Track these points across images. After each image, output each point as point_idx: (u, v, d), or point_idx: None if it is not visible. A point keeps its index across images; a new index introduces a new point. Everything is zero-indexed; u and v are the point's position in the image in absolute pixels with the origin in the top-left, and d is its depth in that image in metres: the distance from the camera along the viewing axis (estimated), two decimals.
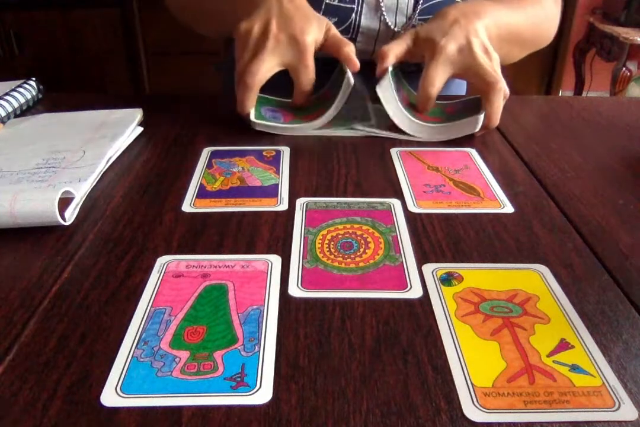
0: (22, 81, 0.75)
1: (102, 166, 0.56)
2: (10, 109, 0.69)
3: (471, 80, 0.64)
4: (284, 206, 0.51)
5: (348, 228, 0.48)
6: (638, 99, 0.83)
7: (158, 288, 0.41)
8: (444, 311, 0.39)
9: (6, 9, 2.06)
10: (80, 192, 0.51)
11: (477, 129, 0.64)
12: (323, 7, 0.76)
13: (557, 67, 2.32)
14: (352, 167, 0.59)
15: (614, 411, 0.32)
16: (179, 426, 0.30)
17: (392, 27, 0.76)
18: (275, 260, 0.44)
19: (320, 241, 0.46)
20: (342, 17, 0.76)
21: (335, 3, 0.75)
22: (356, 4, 0.75)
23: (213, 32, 0.85)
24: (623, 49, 2.29)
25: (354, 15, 0.75)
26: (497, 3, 0.72)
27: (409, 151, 0.62)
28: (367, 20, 0.76)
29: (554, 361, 0.35)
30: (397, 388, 0.33)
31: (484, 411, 0.31)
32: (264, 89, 0.65)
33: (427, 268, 0.43)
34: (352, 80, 0.63)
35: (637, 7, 2.29)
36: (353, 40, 0.78)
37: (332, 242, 0.46)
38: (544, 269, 0.43)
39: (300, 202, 0.52)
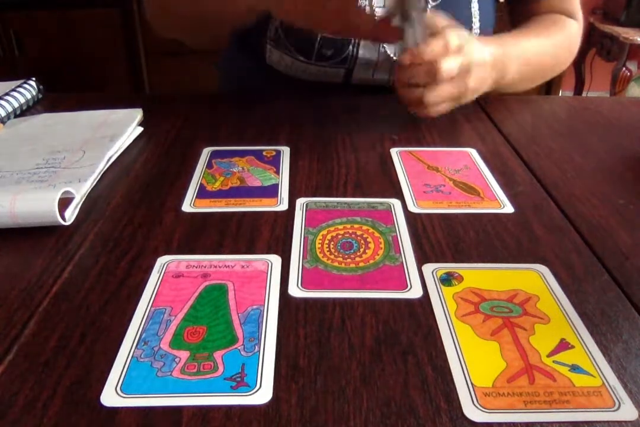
0: (22, 81, 0.75)
1: (102, 166, 0.56)
2: (10, 109, 0.69)
3: None
4: (284, 206, 0.51)
5: (348, 228, 0.48)
6: (638, 99, 0.83)
7: (158, 288, 0.41)
8: (444, 311, 0.39)
9: (6, 9, 2.05)
10: (80, 192, 0.51)
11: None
12: (319, 39, 0.74)
13: None
14: (352, 167, 0.58)
15: (614, 411, 0.32)
16: (179, 426, 0.30)
17: (393, 56, 0.75)
18: (275, 260, 0.44)
19: (320, 241, 0.46)
20: (338, 49, 0.75)
21: (331, 36, 0.73)
22: None
23: (215, 34, 0.78)
24: (623, 49, 2.29)
25: (351, 47, 0.74)
26: (519, 37, 0.72)
27: (409, 151, 0.62)
28: (365, 51, 0.75)
29: (554, 361, 0.35)
30: (397, 388, 0.33)
31: (484, 411, 0.31)
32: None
33: (427, 268, 0.43)
34: None
35: (637, 7, 2.29)
36: (350, 71, 0.77)
37: (332, 242, 0.46)
38: (544, 269, 0.43)
39: (300, 202, 0.52)
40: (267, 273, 0.42)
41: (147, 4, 0.76)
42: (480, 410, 0.31)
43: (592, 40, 2.51)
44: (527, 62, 0.71)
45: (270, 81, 0.81)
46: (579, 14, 0.80)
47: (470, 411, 0.31)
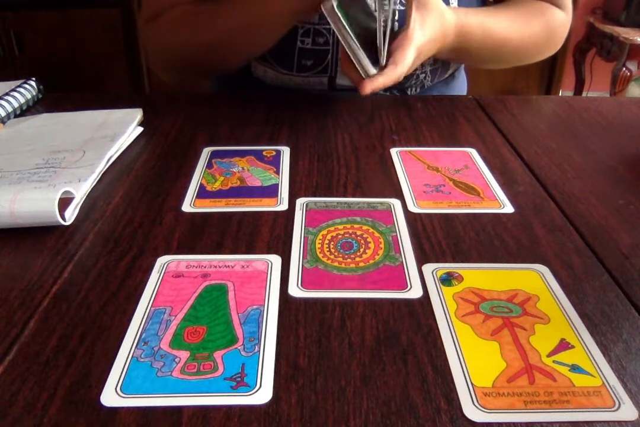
0: (22, 81, 0.75)
1: (102, 166, 0.56)
2: (10, 109, 0.69)
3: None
4: (284, 206, 0.51)
5: (348, 228, 0.48)
6: (638, 99, 0.83)
7: (158, 288, 0.41)
8: (444, 311, 0.39)
9: (6, 8, 2.05)
10: (80, 192, 0.51)
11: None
12: (297, 51, 0.75)
13: (557, 67, 2.31)
14: (352, 167, 0.58)
15: (614, 411, 0.32)
16: (179, 426, 0.30)
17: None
18: (275, 260, 0.44)
19: (320, 241, 0.46)
20: (317, 60, 0.75)
21: (309, 46, 0.74)
22: (330, 45, 0.74)
23: (231, 62, 0.75)
24: (623, 49, 2.29)
25: (329, 56, 0.75)
26: (492, 13, 0.72)
27: (409, 151, 0.62)
28: None
29: (554, 361, 0.35)
30: (397, 388, 0.33)
31: (484, 411, 0.31)
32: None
33: (427, 268, 0.43)
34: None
35: (637, 7, 2.29)
36: (332, 78, 0.77)
37: (332, 242, 0.46)
38: (544, 269, 0.43)
39: (300, 202, 0.52)
40: (267, 273, 0.42)
41: (149, 49, 0.76)
42: (480, 410, 0.31)
43: (592, 40, 2.51)
44: (489, 32, 0.71)
45: (259, 89, 0.82)
46: (568, 5, 0.79)
47: (470, 411, 0.31)
